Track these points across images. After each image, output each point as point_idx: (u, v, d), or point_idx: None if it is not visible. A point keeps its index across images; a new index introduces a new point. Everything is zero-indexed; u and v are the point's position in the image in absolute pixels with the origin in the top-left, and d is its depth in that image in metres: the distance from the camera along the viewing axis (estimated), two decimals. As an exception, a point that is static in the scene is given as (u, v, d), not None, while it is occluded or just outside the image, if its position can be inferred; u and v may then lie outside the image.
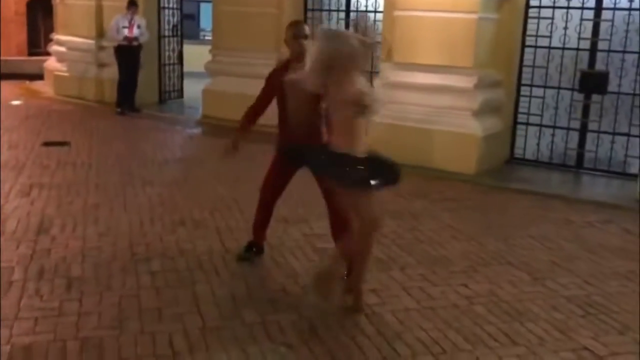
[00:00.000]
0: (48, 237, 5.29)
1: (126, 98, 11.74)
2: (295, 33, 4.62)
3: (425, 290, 4.55)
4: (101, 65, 12.56)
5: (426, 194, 7.14)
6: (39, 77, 16.14)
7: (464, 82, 8.06)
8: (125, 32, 11.41)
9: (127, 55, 11.58)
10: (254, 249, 5.01)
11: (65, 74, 13.16)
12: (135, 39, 11.50)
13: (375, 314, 4.16)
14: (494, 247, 5.55)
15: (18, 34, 22.78)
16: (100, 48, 12.40)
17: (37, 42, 24.04)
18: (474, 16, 7.97)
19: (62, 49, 13.44)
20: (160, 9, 12.88)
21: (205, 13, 19.84)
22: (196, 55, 15.03)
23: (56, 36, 14.39)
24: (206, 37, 19.63)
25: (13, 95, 13.11)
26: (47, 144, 8.80)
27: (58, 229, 5.49)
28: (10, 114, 11.12)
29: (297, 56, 4.52)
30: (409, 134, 8.35)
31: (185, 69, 13.85)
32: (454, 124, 8.12)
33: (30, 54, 23.09)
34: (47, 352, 3.53)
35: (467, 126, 8.08)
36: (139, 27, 11.57)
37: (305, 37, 4.59)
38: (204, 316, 4.02)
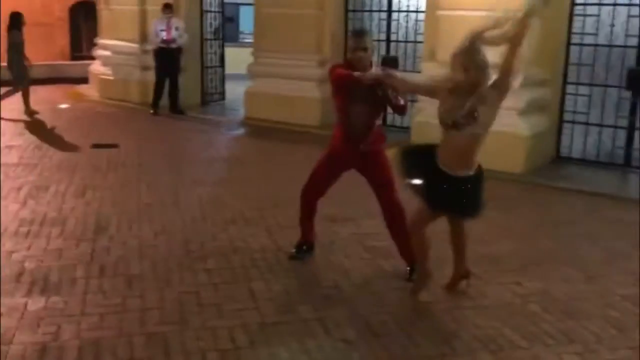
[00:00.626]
0: (106, 236, 5.44)
1: (172, 101, 11.98)
2: (353, 45, 4.57)
3: (479, 288, 4.58)
4: (145, 68, 12.77)
5: (472, 193, 7.12)
6: (83, 80, 16.50)
7: (509, 80, 8.01)
8: (164, 35, 11.63)
9: (166, 58, 11.78)
10: (304, 247, 5.09)
11: (110, 77, 13.44)
12: (174, 41, 11.71)
13: (429, 311, 4.22)
14: (545, 245, 5.55)
15: (61, 38, 23.34)
16: (144, 51, 12.60)
17: (80, 46, 24.59)
18: (518, 14, 7.90)
19: (107, 52, 13.73)
20: (202, 12, 13.07)
21: (245, 16, 20.04)
22: (236, 58, 15.25)
23: (100, 40, 14.68)
24: (245, 40, 19.81)
25: (60, 99, 13.43)
26: (96, 145, 9.02)
27: (115, 228, 5.65)
28: (58, 117, 11.42)
29: (356, 68, 4.46)
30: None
31: (226, 71, 14.03)
32: (500, 123, 7.82)
33: (73, 58, 23.63)
34: (115, 347, 3.65)
35: (513, 125, 8.05)
36: (177, 29, 11.78)
37: (365, 49, 4.50)
38: (262, 312, 4.11)
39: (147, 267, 4.81)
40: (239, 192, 6.89)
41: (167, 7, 11.71)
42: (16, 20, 11.47)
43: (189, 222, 5.85)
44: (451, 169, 4.05)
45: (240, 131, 10.99)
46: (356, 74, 4.39)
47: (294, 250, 5.08)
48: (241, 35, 20.27)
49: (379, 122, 4.76)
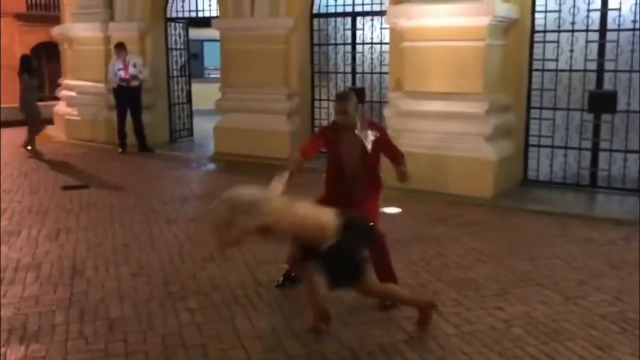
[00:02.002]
0: (83, 279, 5.37)
1: (139, 139, 11.96)
2: (335, 109, 4.86)
3: (461, 314, 4.62)
4: (111, 107, 12.70)
5: (446, 219, 7.23)
6: (48, 122, 16.32)
7: (475, 107, 8.21)
8: (121, 74, 11.67)
9: (126, 95, 11.83)
10: (291, 276, 5.11)
11: (77, 118, 13.35)
12: (135, 77, 11.73)
13: (416, 340, 4.23)
14: (521, 268, 5.63)
15: (23, 80, 23.10)
16: (110, 91, 12.57)
17: (42, 88, 24.37)
18: (481, 43, 8.14)
19: (72, 93, 13.66)
20: (167, 50, 13.11)
21: (209, 52, 20.15)
22: (202, 94, 15.32)
23: (65, 81, 14.61)
24: (210, 76, 19.91)
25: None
26: (66, 187, 8.92)
27: (92, 270, 5.58)
28: (25, 160, 11.27)
29: (344, 127, 4.80)
30: (423, 161, 8.47)
31: (193, 107, 14.05)
32: (468, 149, 8.25)
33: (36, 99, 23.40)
34: (101, 393, 3.59)
35: (481, 151, 8.21)
36: (134, 65, 11.82)
37: (345, 112, 4.73)
38: (249, 350, 4.09)
39: (128, 309, 4.75)
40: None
41: (119, 47, 11.81)
42: (26, 63, 11.74)
43: (167, 261, 5.80)
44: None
45: (211, 167, 10.98)
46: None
47: (280, 279, 5.14)
48: (206, 71, 20.32)
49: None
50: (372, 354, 4.03)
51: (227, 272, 5.50)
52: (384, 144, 4.92)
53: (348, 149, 4.82)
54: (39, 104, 12.23)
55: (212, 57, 20.31)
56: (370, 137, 4.79)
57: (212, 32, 18.08)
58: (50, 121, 15.93)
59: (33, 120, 11.75)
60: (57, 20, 22.06)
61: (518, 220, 7.29)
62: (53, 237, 6.59)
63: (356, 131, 4.77)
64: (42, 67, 24.29)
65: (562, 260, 5.85)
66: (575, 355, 4.01)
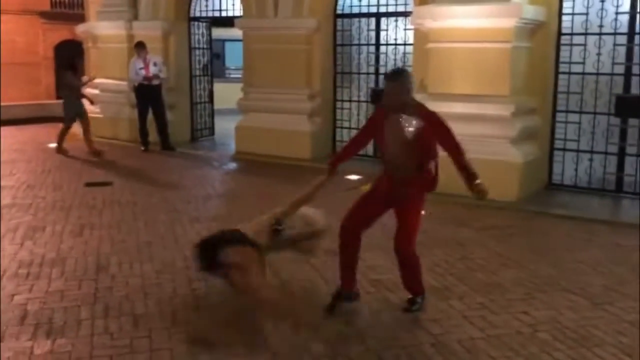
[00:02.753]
0: (107, 275, 5.38)
1: (162, 138, 12.02)
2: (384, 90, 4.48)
3: (487, 318, 4.57)
4: (134, 105, 12.77)
5: (470, 222, 7.17)
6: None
7: (501, 110, 8.14)
8: (142, 72, 11.72)
9: (147, 94, 11.87)
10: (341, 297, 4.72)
11: (99, 116, 13.41)
12: (156, 76, 11.79)
13: (441, 343, 4.18)
14: (546, 273, 5.56)
15: (46, 78, 23.36)
16: (132, 89, 12.62)
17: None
18: (508, 45, 8.07)
19: (95, 91, 13.73)
20: (190, 49, 13.16)
21: (230, 52, 20.18)
22: (223, 93, 15.38)
23: (88, 79, 14.68)
24: (232, 76, 19.95)
25: (48, 138, 13.35)
26: (89, 184, 8.97)
27: (116, 267, 5.59)
28: (49, 157, 11.36)
29: (392, 110, 4.42)
30: (447, 164, 8.38)
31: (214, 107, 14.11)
32: (493, 152, 8.17)
33: (58, 97, 23.62)
34: (127, 389, 3.59)
35: (506, 154, 8.14)
36: (155, 64, 11.86)
37: (388, 94, 4.38)
38: (275, 351, 4.07)
39: (152, 306, 4.75)
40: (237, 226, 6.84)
41: (139, 46, 11.85)
42: (71, 62, 11.75)
43: (190, 260, 5.78)
44: None
45: (233, 166, 10.99)
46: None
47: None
48: (227, 71, 20.37)
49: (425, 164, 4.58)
50: (398, 357, 3.99)
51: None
52: (432, 134, 4.43)
53: (391, 135, 4.40)
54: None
55: (233, 56, 20.37)
56: (413, 123, 4.34)
57: (234, 32, 18.15)
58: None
59: (67, 118, 11.70)
60: (80, 19, 22.24)
61: (542, 224, 7.21)
62: (77, 233, 6.63)
63: (404, 116, 4.32)
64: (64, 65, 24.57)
65: (588, 266, 5.77)
66: (604, 361, 3.96)
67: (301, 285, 5.23)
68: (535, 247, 6.31)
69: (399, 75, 4.40)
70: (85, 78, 12.00)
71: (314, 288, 5.16)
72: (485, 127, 8.26)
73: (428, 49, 8.75)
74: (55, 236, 6.51)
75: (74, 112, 11.61)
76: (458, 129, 8.24)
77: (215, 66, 16.55)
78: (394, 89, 4.34)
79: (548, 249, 6.25)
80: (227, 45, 20.28)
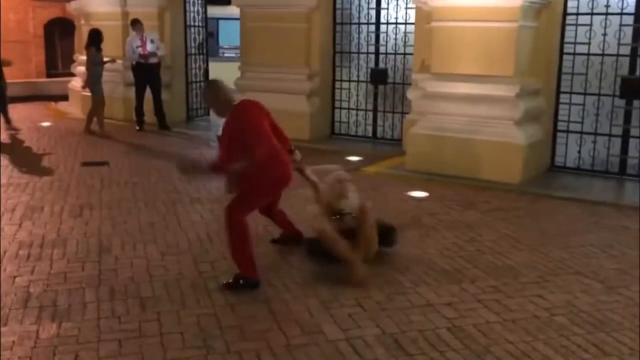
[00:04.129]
0: (111, 257, 5.26)
1: (159, 118, 11.85)
2: None
3: (502, 302, 4.49)
4: (128, 84, 12.57)
5: (475, 204, 7.08)
6: (61, 98, 16.20)
7: (506, 91, 8.02)
8: (139, 50, 11.50)
9: (145, 72, 11.66)
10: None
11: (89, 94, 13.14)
12: (153, 54, 11.59)
13: (457, 327, 4.10)
14: (557, 255, 5.49)
15: (36, 56, 22.95)
16: (127, 67, 12.40)
17: (55, 64, 24.24)
18: (514, 25, 7.93)
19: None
20: (186, 27, 12.93)
21: (224, 30, 19.94)
22: (217, 72, 15.11)
23: (81, 57, 14.42)
24: (225, 55, 19.73)
25: (41, 117, 13.15)
26: (86, 164, 8.80)
27: (118, 248, 5.46)
28: (43, 136, 11.16)
29: None
30: (450, 145, 8.33)
31: (209, 86, 13.89)
32: (497, 134, 8.07)
33: (49, 75, 23.28)
34: (139, 374, 3.48)
35: (510, 135, 8.03)
36: (152, 41, 11.64)
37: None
38: (287, 333, 3.97)
39: (159, 288, 4.64)
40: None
41: (135, 23, 11.62)
42: (94, 38, 11.31)
43: (195, 241, 5.68)
44: None
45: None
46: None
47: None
48: (221, 50, 20.13)
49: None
50: (415, 341, 3.90)
51: (258, 255, 5.35)
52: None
53: None
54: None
55: (227, 35, 20.16)
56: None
57: (227, 10, 17.96)
58: (65, 97, 15.92)
59: (96, 96, 11.39)
60: (71, -4, 21.92)
61: (548, 206, 7.12)
62: (77, 213, 6.48)
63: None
64: (55, 43, 24.16)
65: (598, 249, 5.70)
66: (624, 346, 3.89)
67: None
68: (543, 230, 6.23)
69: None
70: (106, 58, 11.66)
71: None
72: (489, 108, 8.14)
73: (431, 27, 8.59)
74: (54, 216, 6.36)
75: (100, 88, 11.34)
76: (461, 110, 8.33)
77: (209, 45, 16.35)
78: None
79: (556, 232, 6.16)
80: (221, 23, 20.05)
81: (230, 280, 4.67)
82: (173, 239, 5.71)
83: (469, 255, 5.43)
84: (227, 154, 4.64)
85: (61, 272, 4.89)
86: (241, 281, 4.65)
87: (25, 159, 9.17)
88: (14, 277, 4.79)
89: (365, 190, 6.78)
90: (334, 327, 4.05)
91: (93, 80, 11.25)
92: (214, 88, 4.86)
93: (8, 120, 11.48)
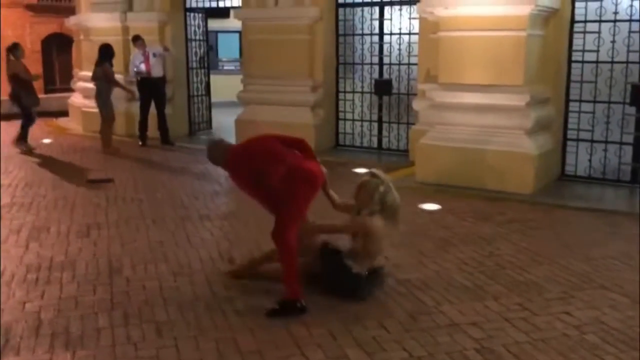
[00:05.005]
0: (122, 278, 5.11)
1: (162, 133, 11.78)
2: None
3: (529, 320, 4.35)
4: (130, 99, 12.44)
5: (489, 216, 6.96)
6: (61, 114, 16.03)
7: (516, 100, 7.91)
8: (142, 67, 11.42)
9: (150, 87, 11.57)
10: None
11: (94, 110, 12.99)
12: (158, 67, 11.55)
13: (487, 349, 3.95)
14: (579, 268, 5.36)
15: (34, 71, 22.79)
16: (129, 82, 12.28)
17: (53, 79, 24.12)
18: (522, 34, 7.84)
19: (89, 85, 13.33)
20: (187, 41, 12.83)
21: (223, 43, 19.85)
22: (217, 86, 15.07)
23: (80, 72, 14.32)
24: (225, 67, 19.63)
25: (42, 134, 13.00)
26: (90, 181, 8.66)
27: (129, 269, 5.32)
28: (45, 153, 11.02)
29: None
30: (460, 155, 8.21)
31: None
32: (508, 144, 7.96)
33: (47, 90, 23.13)
34: (160, 405, 3.33)
35: (521, 145, 7.92)
36: (154, 55, 11.55)
37: None
38: (310, 358, 3.83)
39: (174, 312, 4.49)
40: (252, 225, 6.58)
41: (136, 40, 11.57)
42: (105, 53, 11.01)
43: (206, 260, 5.54)
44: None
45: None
46: None
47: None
48: (220, 63, 20.03)
49: None
50: (443, 363, 3.77)
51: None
52: None
53: None
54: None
55: (226, 48, 20.06)
56: None
57: (226, 23, 17.90)
58: (64, 113, 15.77)
59: (106, 111, 11.09)
60: (68, 11, 21.72)
61: (564, 217, 7.00)
62: (84, 233, 6.34)
63: None
64: (53, 58, 24.05)
65: (619, 261, 5.57)
66: (660, 365, 3.75)
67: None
68: (561, 242, 6.10)
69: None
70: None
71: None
72: (499, 118, 8.03)
73: (438, 37, 8.49)
74: (61, 237, 6.22)
75: (111, 104, 11.09)
76: (470, 120, 8.22)
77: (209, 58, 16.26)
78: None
79: (575, 243, 6.04)
80: (220, 36, 19.94)
81: (277, 307, 4.44)
82: (184, 258, 5.56)
83: (489, 271, 5.30)
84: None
85: (72, 297, 4.74)
86: (292, 305, 4.44)
87: (28, 177, 9.01)
88: (24, 302, 4.64)
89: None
90: (358, 351, 3.91)
91: (103, 97, 11.00)
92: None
93: (21, 138, 11.27)
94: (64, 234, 6.32)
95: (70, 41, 23.40)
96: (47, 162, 10.24)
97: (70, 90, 15.96)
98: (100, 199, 7.72)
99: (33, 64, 22.70)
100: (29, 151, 10.97)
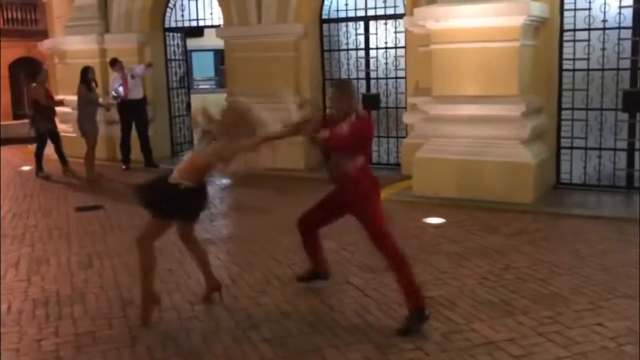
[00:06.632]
0: (136, 310, 4.89)
1: (145, 155, 11.56)
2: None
3: (564, 334, 4.27)
4: (110, 123, 12.19)
5: (496, 228, 6.92)
6: (33, 140, 15.59)
7: (511, 110, 7.92)
8: (121, 91, 11.22)
9: (131, 110, 11.39)
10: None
11: (72, 135, 12.73)
12: (137, 91, 11.34)
13: (529, 365, 3.87)
14: (599, 278, 5.32)
15: (1, 97, 22.30)
16: (111, 105, 12.03)
17: (21, 104, 23.59)
18: (516, 44, 7.86)
19: (67, 109, 13.03)
20: (167, 61, 12.64)
21: (197, 62, 19.63)
22: (195, 105, 14.86)
23: (57, 97, 13.98)
24: (200, 87, 19.43)
25: (19, 161, 12.66)
26: (80, 209, 8.41)
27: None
28: (26, 181, 10.71)
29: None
30: (457, 167, 8.17)
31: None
32: (505, 154, 7.95)
33: (15, 116, 22.62)
34: None
35: (519, 155, 7.92)
36: (132, 77, 11.34)
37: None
38: None
39: (199, 343, 4.32)
40: (257, 247, 6.44)
41: (114, 64, 11.38)
42: (84, 75, 10.62)
43: (223, 290, 5.35)
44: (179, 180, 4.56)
45: (226, 181, 10.49)
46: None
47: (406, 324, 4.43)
48: (195, 82, 19.81)
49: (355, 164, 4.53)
50: (490, 384, 3.66)
51: (291, 297, 5.10)
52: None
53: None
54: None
55: (200, 67, 19.85)
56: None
57: (199, 42, 17.69)
58: (34, 139, 15.36)
59: (89, 137, 10.67)
60: (35, 35, 21.35)
61: (571, 226, 6.99)
62: (86, 264, 6.11)
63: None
64: (20, 83, 23.55)
65: (635, 268, 5.54)
66: None
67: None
68: (574, 252, 6.06)
69: (346, 85, 4.74)
70: (101, 100, 11.21)
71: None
72: (495, 129, 8.02)
73: (430, 50, 8.47)
74: (62, 269, 5.98)
75: (95, 128, 10.74)
76: (466, 131, 8.18)
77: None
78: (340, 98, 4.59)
79: (588, 253, 6.00)
80: (194, 55, 19.71)
81: (406, 324, 4.34)
82: (197, 287, 5.37)
83: (510, 284, 5.22)
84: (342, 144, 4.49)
85: (88, 332, 4.53)
86: (421, 316, 4.35)
87: (14, 207, 8.72)
88: (38, 340, 4.41)
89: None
90: (399, 375, 3.79)
91: (83, 121, 10.67)
92: (352, 89, 4.71)
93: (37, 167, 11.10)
94: (65, 265, 6.08)
95: (39, 65, 22.99)
96: (31, 190, 9.91)
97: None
98: (95, 227, 7.48)
99: (1, 89, 22.30)
100: (45, 178, 10.86)
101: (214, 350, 4.20)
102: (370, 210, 4.53)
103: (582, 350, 4.03)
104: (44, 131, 10.94)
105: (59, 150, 11.08)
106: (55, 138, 11.10)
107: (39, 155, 11.04)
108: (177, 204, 4.59)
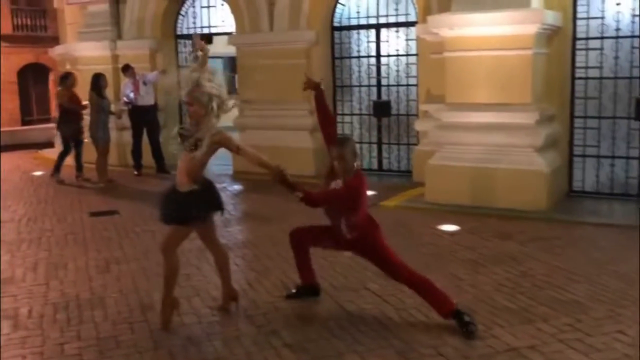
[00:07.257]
0: (156, 315, 4.89)
1: (157, 161, 11.61)
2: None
3: (585, 341, 4.29)
4: (122, 129, 12.27)
5: (511, 235, 6.94)
6: (44, 145, 15.69)
7: (525, 118, 7.96)
8: (132, 97, 11.28)
9: (142, 116, 11.44)
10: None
11: (85, 140, 12.77)
12: (149, 94, 11.45)
13: (553, 372, 3.88)
14: (616, 286, 5.33)
15: (10, 103, 22.43)
16: (120, 111, 12.09)
17: (30, 110, 23.73)
18: (529, 52, 7.90)
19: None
20: (178, 67, 12.70)
21: (206, 68, 19.71)
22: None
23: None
24: (209, 92, 19.47)
25: (31, 166, 12.73)
26: (94, 214, 8.46)
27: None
28: (39, 186, 10.77)
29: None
30: (470, 175, 8.20)
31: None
32: (519, 162, 7.97)
33: (24, 122, 22.73)
34: None
35: (533, 163, 7.94)
36: (144, 83, 11.41)
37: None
38: None
39: (221, 348, 4.34)
40: (274, 252, 6.48)
41: (126, 70, 11.45)
42: (95, 83, 10.66)
43: (239, 292, 5.37)
44: (181, 185, 4.68)
45: (237, 187, 10.56)
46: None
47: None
48: (203, 89, 19.90)
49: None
50: (514, 390, 3.68)
51: (310, 302, 5.12)
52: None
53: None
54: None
55: (210, 74, 19.91)
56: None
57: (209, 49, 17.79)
58: (46, 144, 15.48)
59: (100, 144, 10.76)
60: (44, 41, 21.47)
61: (586, 233, 7.01)
62: (104, 268, 6.15)
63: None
64: (29, 89, 23.67)
65: (651, 276, 5.56)
66: None
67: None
68: (590, 259, 6.08)
69: (345, 141, 4.77)
70: (113, 108, 11.27)
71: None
72: (508, 136, 8.05)
73: (444, 58, 8.51)
74: (81, 273, 6.01)
75: (107, 135, 10.82)
76: (479, 139, 8.22)
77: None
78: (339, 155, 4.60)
79: (605, 260, 6.01)
80: (203, 62, 19.81)
81: (464, 328, 4.41)
82: (215, 291, 5.40)
83: (528, 292, 5.24)
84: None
85: (111, 336, 4.56)
86: (459, 316, 4.45)
87: (29, 212, 8.77)
88: (61, 344, 4.44)
89: (392, 226, 6.61)
90: (427, 379, 3.81)
91: (95, 128, 10.71)
92: (350, 146, 4.73)
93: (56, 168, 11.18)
94: (83, 269, 6.12)
95: (47, 71, 23.13)
96: (45, 195, 9.97)
97: (48, 120, 15.69)
98: (110, 232, 7.52)
99: (9, 94, 22.44)
100: (59, 182, 10.92)
101: (236, 355, 4.23)
102: (380, 249, 4.67)
103: (604, 358, 4.05)
104: (68, 135, 10.94)
105: (77, 156, 11.07)
106: (78, 144, 11.05)
107: (60, 158, 11.07)
108: (187, 207, 4.66)
